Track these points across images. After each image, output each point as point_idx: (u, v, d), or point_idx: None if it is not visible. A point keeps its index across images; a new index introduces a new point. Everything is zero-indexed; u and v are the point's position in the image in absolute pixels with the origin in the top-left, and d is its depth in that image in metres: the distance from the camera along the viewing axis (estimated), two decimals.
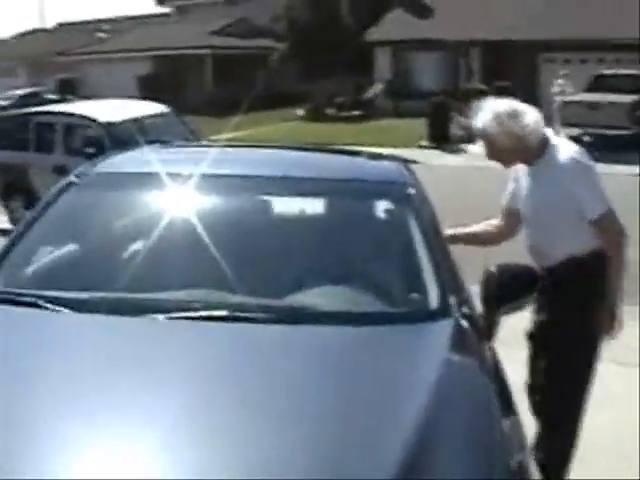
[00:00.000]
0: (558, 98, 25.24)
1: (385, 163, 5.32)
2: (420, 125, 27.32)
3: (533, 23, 33.45)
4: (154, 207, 4.47)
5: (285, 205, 4.92)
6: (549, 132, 4.90)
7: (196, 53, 44.34)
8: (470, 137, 26.98)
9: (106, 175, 4.84)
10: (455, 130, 26.94)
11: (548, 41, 33.24)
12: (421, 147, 25.52)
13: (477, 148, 25.48)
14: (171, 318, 3.55)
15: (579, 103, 24.34)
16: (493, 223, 5.34)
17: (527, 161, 4.88)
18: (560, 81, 27.99)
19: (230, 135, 22.02)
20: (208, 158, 4.99)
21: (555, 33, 32.68)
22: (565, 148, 4.83)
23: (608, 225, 4.74)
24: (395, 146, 23.64)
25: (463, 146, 26.02)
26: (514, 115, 4.75)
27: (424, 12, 38.49)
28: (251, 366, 3.26)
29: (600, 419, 5.63)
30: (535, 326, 5.01)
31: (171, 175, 4.49)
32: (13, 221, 15.42)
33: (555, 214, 4.78)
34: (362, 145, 21.84)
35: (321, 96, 37.49)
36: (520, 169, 5.02)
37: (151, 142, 13.61)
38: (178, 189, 4.46)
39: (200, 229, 4.18)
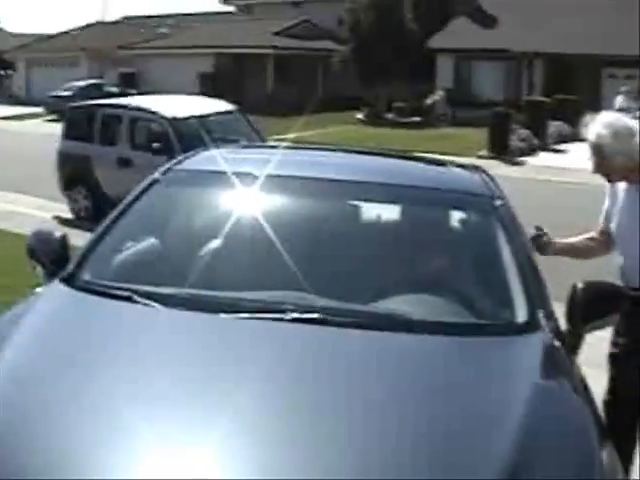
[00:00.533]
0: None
1: (472, 174, 5.27)
2: (479, 135, 27.18)
3: (597, 38, 33.17)
4: (239, 206, 4.47)
5: (371, 211, 4.92)
6: None
7: (258, 52, 44.51)
8: (530, 149, 26.88)
9: (192, 172, 4.85)
10: (515, 142, 26.78)
11: (611, 56, 32.97)
12: (480, 157, 25.30)
13: (537, 160, 25.48)
14: (260, 318, 3.55)
15: None
16: (593, 237, 5.28)
17: (631, 179, 4.83)
18: (620, 98, 27.72)
19: (293, 135, 22.03)
20: (292, 160, 5.03)
21: (619, 49, 32.39)
22: None
23: None
24: (454, 154, 23.51)
25: (523, 158, 25.88)
26: (632, 132, 4.73)
27: (488, 21, 38.35)
28: (342, 372, 3.27)
29: None
30: (622, 347, 4.95)
31: (256, 175, 4.51)
32: (74, 211, 15.56)
33: None
34: (421, 152, 21.83)
35: (381, 100, 37.47)
36: (619, 187, 4.96)
37: (216, 140, 13.74)
38: (263, 189, 4.47)
39: (284, 230, 4.19)
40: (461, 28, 38.12)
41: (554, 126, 29.23)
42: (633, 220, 4.82)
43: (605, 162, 4.77)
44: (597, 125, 4.77)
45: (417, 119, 35.62)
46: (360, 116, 36.80)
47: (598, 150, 4.77)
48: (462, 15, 39.21)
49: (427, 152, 21.45)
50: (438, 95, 37.04)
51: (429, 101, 37.00)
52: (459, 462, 2.73)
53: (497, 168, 23.41)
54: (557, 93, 31.44)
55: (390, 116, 36.61)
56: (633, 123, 4.79)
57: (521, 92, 35.68)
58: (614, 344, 4.99)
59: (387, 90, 37.34)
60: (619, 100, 27.68)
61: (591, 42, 33.05)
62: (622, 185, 4.93)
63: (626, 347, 4.90)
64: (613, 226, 5.01)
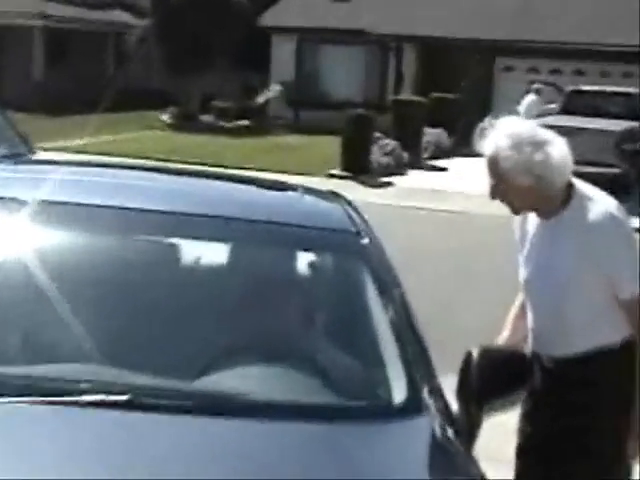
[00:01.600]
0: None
1: (330, 203, 5.45)
2: (330, 145, 27.49)
3: (488, 17, 34.05)
4: (24, 247, 4.46)
5: (196, 253, 4.99)
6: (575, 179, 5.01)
7: (22, 24, 43.90)
8: (398, 166, 27.32)
9: None
10: (378, 156, 27.15)
11: (508, 42, 33.87)
12: (331, 176, 25.60)
13: (407, 181, 25.89)
14: (51, 402, 3.55)
15: (551, 128, 24.65)
16: (521, 310, 5.36)
17: (543, 211, 4.99)
18: (530, 98, 28.38)
19: (72, 144, 21.83)
20: (82, 182, 5.10)
21: (517, 33, 33.32)
22: (598, 199, 4.95)
23: None
24: (296, 173, 23.74)
25: (388, 179, 26.26)
26: (538, 143, 4.84)
27: None
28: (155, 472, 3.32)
29: None
30: (530, 437, 5.13)
31: (35, 203, 4.47)
32: None
33: (580, 289, 4.89)
34: (253, 170, 22.00)
35: (195, 97, 37.56)
36: (530, 222, 5.12)
37: None
38: (41, 222, 4.48)
39: (78, 281, 4.27)
40: (303, 1, 38.48)
41: (430, 135, 29.85)
42: (556, 269, 4.97)
43: (503, 183, 4.88)
44: (496, 133, 4.90)
45: (246, 123, 35.85)
46: (166, 118, 36.77)
47: (494, 166, 4.88)
48: None
49: (261, 170, 21.69)
50: (273, 91, 37.38)
51: (261, 99, 37.31)
52: None
53: (353, 191, 23.73)
54: (434, 91, 32.13)
55: (207, 119, 36.72)
56: (546, 133, 4.93)
57: (386, 88, 36.28)
58: (522, 432, 5.18)
59: (202, 83, 37.41)
60: (529, 101, 28.30)
61: (480, 23, 33.90)
62: (532, 220, 5.10)
63: (535, 437, 5.09)
64: (522, 275, 5.18)
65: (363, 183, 25.34)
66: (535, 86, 29.26)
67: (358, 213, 5.27)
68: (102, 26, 45.09)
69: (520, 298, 5.36)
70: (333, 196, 5.61)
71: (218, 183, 6.00)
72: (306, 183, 6.41)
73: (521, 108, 27.56)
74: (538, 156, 4.80)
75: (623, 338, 4.92)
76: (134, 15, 43.36)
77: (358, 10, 36.63)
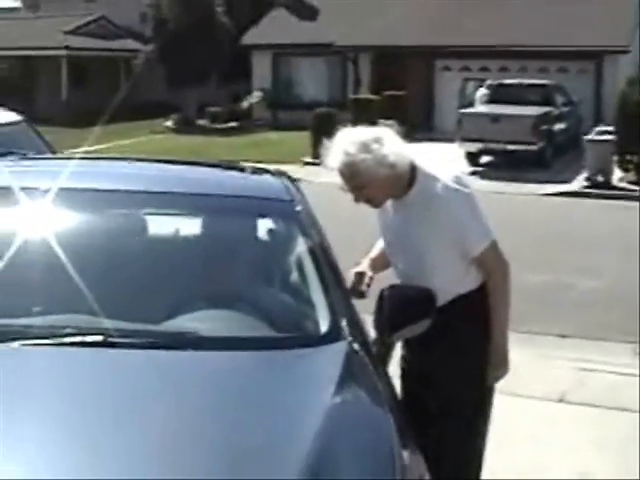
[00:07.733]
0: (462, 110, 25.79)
1: (270, 178, 5.53)
2: (303, 139, 27.51)
3: (427, 27, 34.08)
4: (18, 224, 4.57)
5: (161, 223, 5.12)
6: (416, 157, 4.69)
7: (49, 54, 43.80)
8: None
9: None
10: None
11: (445, 47, 33.90)
12: (305, 163, 25.66)
13: None
14: (38, 345, 3.67)
15: (480, 115, 24.93)
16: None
17: (396, 194, 4.71)
18: (482, 91, 28.32)
19: (91, 148, 21.84)
20: (81, 172, 5.15)
21: (452, 39, 33.35)
22: (436, 175, 4.66)
23: (493, 258, 4.75)
24: (276, 162, 23.80)
25: None
26: (379, 139, 4.53)
27: (309, 13, 38.83)
28: (128, 393, 3.41)
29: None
30: (414, 364, 4.91)
31: (36, 190, 4.61)
32: None
33: (435, 254, 4.69)
34: (240, 161, 22.01)
35: (192, 105, 37.55)
36: (387, 204, 4.84)
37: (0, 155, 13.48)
38: (44, 204, 4.55)
39: (70, 249, 4.30)
40: (278, 21, 38.43)
41: (384, 125, 29.87)
42: (412, 239, 4.73)
43: (366, 184, 4.57)
44: (340, 146, 4.57)
45: (234, 124, 35.87)
46: (169, 124, 36.76)
47: (352, 172, 4.53)
48: (279, 7, 39.63)
49: (247, 161, 21.57)
50: (255, 97, 37.37)
51: (246, 104, 37.30)
52: (259, 466, 2.98)
53: (322, 175, 23.77)
54: (387, 89, 32.12)
55: (203, 122, 36.72)
56: (376, 130, 4.65)
57: (347, 90, 36.30)
58: (409, 361, 4.96)
59: (198, 93, 37.46)
60: (481, 93, 28.25)
61: (421, 33, 33.91)
62: (389, 202, 4.80)
63: (426, 365, 4.84)
64: (389, 248, 4.98)
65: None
66: (488, 82, 28.90)
67: (296, 187, 5.37)
68: (114, 52, 45.04)
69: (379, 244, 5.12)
70: (277, 174, 5.68)
71: (188, 167, 6.11)
72: (284, 169, 6.35)
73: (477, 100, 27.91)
74: (384, 149, 4.48)
75: (477, 285, 4.75)
76: (139, 42, 43.35)
77: (322, 28, 36.58)
